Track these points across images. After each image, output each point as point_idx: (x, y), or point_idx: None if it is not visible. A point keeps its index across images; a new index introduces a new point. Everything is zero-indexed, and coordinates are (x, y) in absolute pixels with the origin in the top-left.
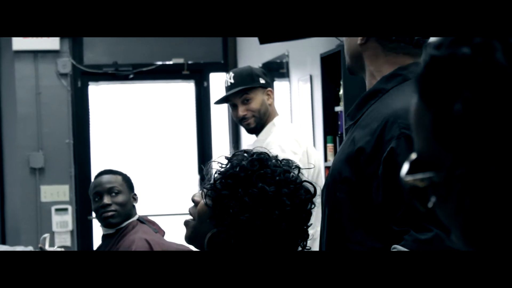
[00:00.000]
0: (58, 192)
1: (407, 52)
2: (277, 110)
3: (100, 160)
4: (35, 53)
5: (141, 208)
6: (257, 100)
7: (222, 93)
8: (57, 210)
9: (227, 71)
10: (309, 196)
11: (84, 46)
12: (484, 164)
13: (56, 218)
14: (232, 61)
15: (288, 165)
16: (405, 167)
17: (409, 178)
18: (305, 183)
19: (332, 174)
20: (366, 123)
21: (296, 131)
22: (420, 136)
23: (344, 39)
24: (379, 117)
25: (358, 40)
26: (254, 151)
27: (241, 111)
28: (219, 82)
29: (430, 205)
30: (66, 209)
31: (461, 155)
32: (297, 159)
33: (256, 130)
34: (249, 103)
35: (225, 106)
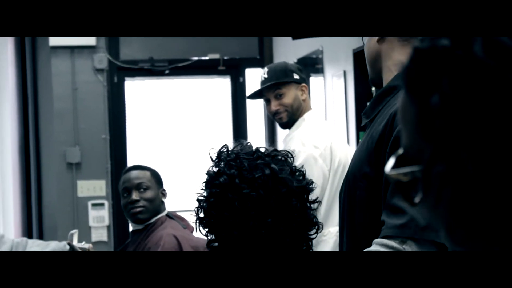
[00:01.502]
0: (94, 187)
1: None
2: (311, 105)
3: (136, 155)
4: (72, 49)
5: (172, 204)
6: (290, 95)
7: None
8: (93, 205)
9: (262, 66)
10: (289, 189)
11: (120, 41)
12: (460, 157)
13: (92, 213)
14: (268, 56)
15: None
16: (391, 162)
17: (393, 172)
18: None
19: (352, 172)
20: (382, 119)
21: (325, 126)
22: (406, 130)
23: (364, 49)
24: (391, 112)
25: (375, 38)
26: (233, 146)
27: (274, 105)
28: (255, 78)
29: (415, 200)
30: (102, 204)
31: (439, 148)
32: (317, 153)
33: (288, 124)
34: (282, 97)
35: (261, 102)
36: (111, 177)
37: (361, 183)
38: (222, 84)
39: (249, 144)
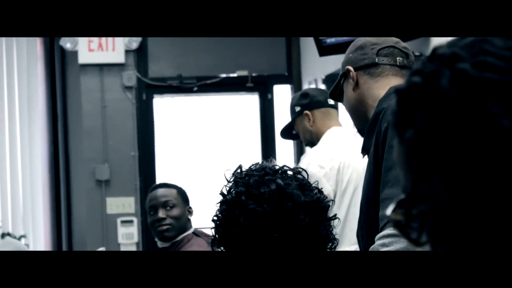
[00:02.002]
0: (123, 204)
1: (394, 73)
2: (330, 121)
3: (164, 172)
4: (101, 67)
5: (200, 221)
6: (300, 129)
7: (287, 105)
8: (122, 222)
9: (291, 83)
10: (295, 203)
11: (149, 59)
12: (436, 189)
13: (121, 230)
14: (296, 73)
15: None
16: (391, 206)
17: (392, 216)
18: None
19: (365, 194)
20: (376, 143)
21: (342, 144)
22: (400, 172)
23: (344, 104)
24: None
25: (352, 87)
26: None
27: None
28: (283, 94)
29: (413, 237)
30: (131, 221)
31: (418, 180)
32: (322, 173)
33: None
34: (299, 134)
35: (288, 118)
36: (140, 194)
37: (373, 199)
38: (251, 101)
39: (263, 162)
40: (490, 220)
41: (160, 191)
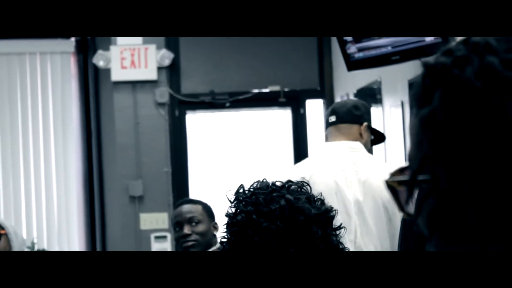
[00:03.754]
0: (157, 220)
1: None
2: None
3: (197, 188)
4: (133, 84)
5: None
6: None
7: (321, 120)
8: (156, 237)
9: (323, 97)
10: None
11: (181, 75)
12: (439, 170)
13: (155, 246)
14: (328, 88)
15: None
16: (393, 170)
17: (389, 179)
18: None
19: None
20: None
21: (311, 161)
22: (410, 142)
23: None
24: None
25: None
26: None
27: None
28: (315, 109)
29: (406, 209)
30: (165, 237)
31: (425, 160)
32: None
33: None
34: None
35: (322, 134)
36: (173, 209)
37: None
38: (283, 116)
39: (265, 180)
40: (488, 213)
41: (186, 207)
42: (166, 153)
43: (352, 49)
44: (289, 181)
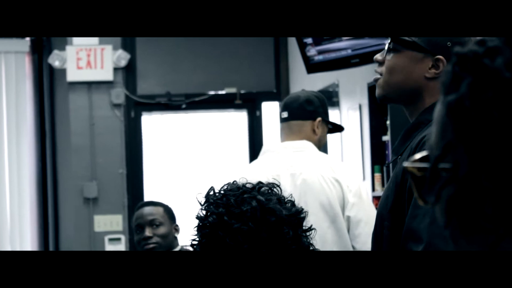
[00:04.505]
0: (111, 222)
1: None
2: (281, 138)
3: (152, 190)
4: (89, 84)
5: (187, 239)
6: None
7: (276, 121)
8: (110, 240)
9: (280, 100)
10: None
11: (137, 76)
12: (461, 158)
13: (109, 248)
14: (285, 90)
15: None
16: (415, 156)
17: (410, 165)
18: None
19: (379, 212)
20: (406, 155)
21: (263, 162)
22: (433, 129)
23: (395, 68)
24: (415, 144)
25: (428, 74)
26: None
27: None
28: (271, 111)
29: (425, 196)
30: (119, 239)
31: (448, 147)
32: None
33: None
34: None
35: (277, 136)
36: (128, 211)
37: (387, 222)
38: (239, 118)
39: (235, 182)
40: (504, 205)
41: (147, 209)
42: (121, 155)
43: (312, 51)
44: (259, 182)
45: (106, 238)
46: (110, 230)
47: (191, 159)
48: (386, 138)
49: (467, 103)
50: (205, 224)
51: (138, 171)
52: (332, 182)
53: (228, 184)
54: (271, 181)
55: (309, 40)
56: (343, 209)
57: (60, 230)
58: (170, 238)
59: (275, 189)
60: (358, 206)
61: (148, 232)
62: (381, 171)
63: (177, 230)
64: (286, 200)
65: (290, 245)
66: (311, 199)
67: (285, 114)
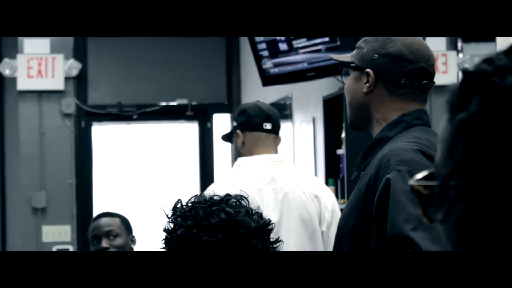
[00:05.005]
0: (59, 232)
1: (414, 98)
2: (258, 147)
3: (102, 201)
4: (40, 93)
5: (142, 249)
6: (234, 145)
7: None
8: (58, 250)
9: (231, 112)
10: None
11: (89, 86)
12: (471, 177)
13: None
14: (236, 102)
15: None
16: (419, 175)
17: (415, 183)
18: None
19: (339, 228)
20: (368, 171)
21: (243, 175)
22: (439, 148)
23: (345, 91)
24: (377, 161)
25: (364, 88)
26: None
27: None
28: (222, 123)
29: (432, 216)
30: (67, 250)
31: (457, 165)
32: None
33: None
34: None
35: (228, 148)
36: (76, 222)
37: (346, 238)
38: (190, 130)
39: (202, 194)
40: None
41: (104, 220)
42: (71, 165)
43: (267, 64)
44: (227, 194)
45: (54, 248)
46: (58, 241)
47: (141, 170)
48: (341, 151)
49: (478, 121)
50: (173, 237)
51: (88, 181)
52: (312, 198)
53: (195, 196)
54: (253, 195)
55: (265, 53)
56: (320, 225)
57: (8, 240)
58: (127, 249)
59: (242, 201)
60: (333, 223)
61: (104, 243)
62: (335, 185)
63: (133, 242)
64: (253, 212)
65: None
66: (293, 214)
67: (269, 126)
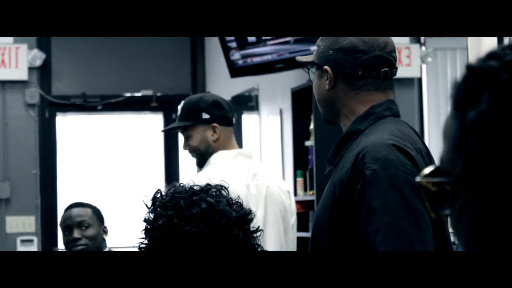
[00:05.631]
0: (23, 223)
1: (377, 87)
2: (231, 142)
3: (66, 191)
4: (3, 83)
5: (110, 240)
6: (196, 137)
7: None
8: (22, 241)
9: None
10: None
11: (53, 76)
12: (486, 175)
13: (21, 249)
14: (201, 93)
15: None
16: (426, 171)
17: (423, 180)
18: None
19: (316, 222)
20: (343, 165)
21: (232, 167)
22: (445, 144)
23: (313, 89)
24: (352, 156)
25: (326, 85)
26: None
27: (183, 146)
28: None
29: (441, 212)
30: (31, 240)
31: (469, 164)
32: (244, 192)
33: (200, 165)
34: (189, 140)
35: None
36: (40, 213)
37: (324, 233)
38: (155, 120)
39: (181, 184)
40: None
41: (75, 210)
42: (35, 155)
43: (235, 55)
44: (208, 184)
45: (18, 239)
46: (22, 232)
47: (105, 162)
48: (309, 143)
49: (489, 118)
50: (154, 227)
51: (52, 172)
52: (285, 193)
53: (173, 186)
54: (244, 191)
55: (233, 44)
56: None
57: None
58: (99, 239)
59: (223, 191)
60: (295, 216)
61: (76, 233)
62: (304, 176)
63: (105, 232)
64: (234, 202)
65: (240, 247)
66: (275, 209)
67: (234, 119)
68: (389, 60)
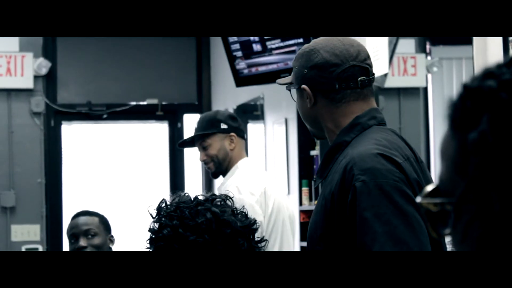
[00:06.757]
0: (29, 232)
1: (356, 97)
2: (244, 153)
3: (72, 200)
4: (9, 92)
5: (116, 249)
6: (215, 146)
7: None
8: (27, 250)
9: (201, 112)
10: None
11: (58, 85)
12: (489, 196)
13: None
14: (206, 102)
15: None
16: (426, 190)
17: (424, 201)
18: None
19: (309, 235)
20: (332, 178)
21: (259, 173)
22: (443, 164)
23: (297, 108)
24: (340, 168)
25: (308, 104)
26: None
27: (201, 156)
28: (193, 124)
29: (442, 232)
30: (36, 249)
31: (471, 185)
32: (253, 200)
33: (217, 174)
34: (207, 149)
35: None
36: (46, 221)
37: (318, 246)
38: (160, 129)
39: (186, 194)
40: None
41: (82, 219)
42: (40, 164)
43: (241, 64)
44: (213, 194)
45: (24, 248)
46: (27, 240)
47: (111, 170)
48: (315, 152)
49: (490, 139)
50: (159, 236)
51: (57, 180)
52: (286, 198)
53: (178, 196)
54: (263, 199)
55: (238, 53)
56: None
57: None
58: (105, 248)
59: (228, 201)
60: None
61: (82, 242)
62: (309, 185)
63: (111, 241)
64: (238, 211)
65: None
66: (284, 216)
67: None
68: (364, 68)
